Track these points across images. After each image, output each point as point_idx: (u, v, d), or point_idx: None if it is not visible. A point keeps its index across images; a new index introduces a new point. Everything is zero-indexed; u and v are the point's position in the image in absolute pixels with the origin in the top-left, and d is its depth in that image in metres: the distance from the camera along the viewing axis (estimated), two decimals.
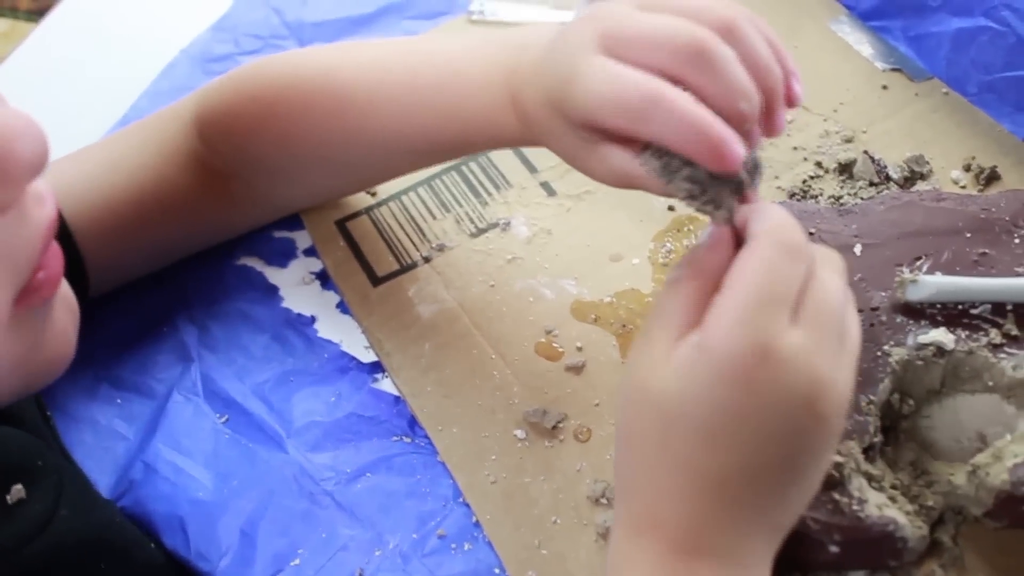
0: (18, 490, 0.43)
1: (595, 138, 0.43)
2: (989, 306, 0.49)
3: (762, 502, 0.38)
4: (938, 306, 0.49)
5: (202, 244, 0.62)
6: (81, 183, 0.56)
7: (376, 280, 0.60)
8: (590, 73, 0.41)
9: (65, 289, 0.39)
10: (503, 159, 0.65)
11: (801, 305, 0.37)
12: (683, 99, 0.38)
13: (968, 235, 0.52)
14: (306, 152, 0.56)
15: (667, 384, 0.37)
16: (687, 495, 0.38)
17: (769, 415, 0.36)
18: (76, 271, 0.55)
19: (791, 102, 0.42)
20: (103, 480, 0.54)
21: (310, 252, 0.62)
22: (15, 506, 0.43)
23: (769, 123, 0.42)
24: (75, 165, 0.57)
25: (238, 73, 0.57)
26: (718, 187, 0.40)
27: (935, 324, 0.48)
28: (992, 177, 0.60)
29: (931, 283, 0.49)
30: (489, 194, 0.63)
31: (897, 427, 0.48)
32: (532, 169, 0.64)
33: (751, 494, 0.38)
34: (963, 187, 0.60)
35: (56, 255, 0.37)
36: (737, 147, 0.38)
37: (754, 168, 0.41)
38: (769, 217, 0.38)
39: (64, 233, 0.53)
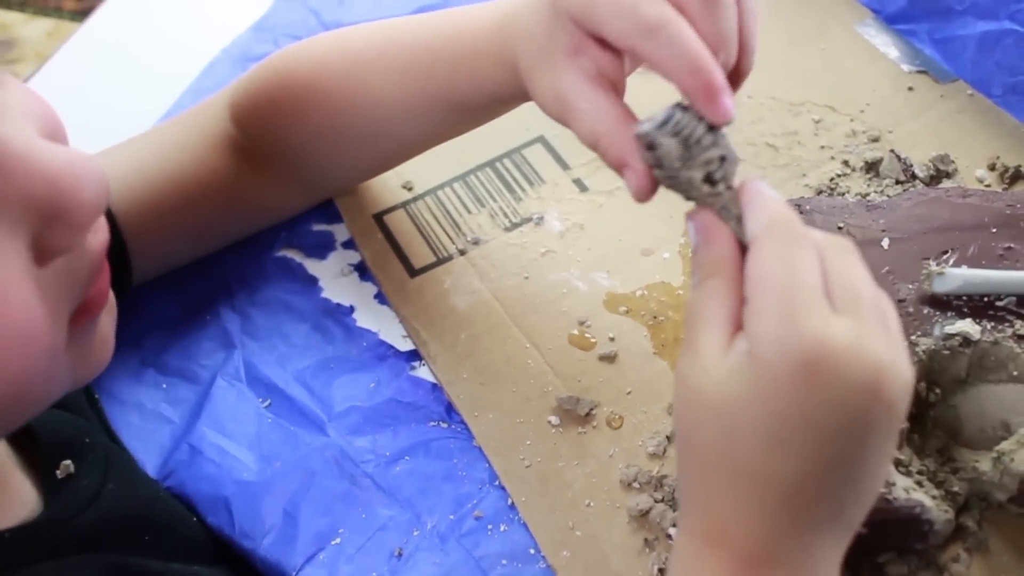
0: (67, 465, 0.45)
1: (569, 45, 0.43)
2: (1014, 298, 0.50)
3: (833, 503, 0.36)
4: (964, 298, 0.50)
5: (241, 230, 0.64)
6: (123, 171, 0.58)
7: (413, 272, 0.62)
8: None
9: (109, 293, 0.41)
10: (536, 157, 0.67)
11: (832, 293, 0.36)
12: (693, 34, 0.39)
13: (994, 230, 0.53)
14: (321, 124, 0.57)
15: (725, 394, 0.36)
16: (755, 506, 0.36)
17: (835, 411, 0.34)
18: (119, 257, 0.57)
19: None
20: (149, 461, 0.56)
21: (348, 245, 0.64)
22: (64, 481, 0.45)
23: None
24: (118, 154, 0.59)
25: (263, 61, 0.60)
26: (694, 168, 0.39)
27: (961, 315, 0.50)
28: (1017, 176, 0.61)
29: (957, 276, 0.50)
30: (523, 190, 0.65)
31: (924, 415, 0.50)
32: (565, 166, 0.66)
33: (821, 497, 0.36)
34: (988, 185, 0.61)
35: (105, 272, 0.38)
36: (730, 100, 0.38)
37: (723, 160, 0.40)
38: (766, 209, 0.38)
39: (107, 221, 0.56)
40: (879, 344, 0.35)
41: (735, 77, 0.42)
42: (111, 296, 0.41)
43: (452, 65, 0.52)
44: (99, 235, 0.37)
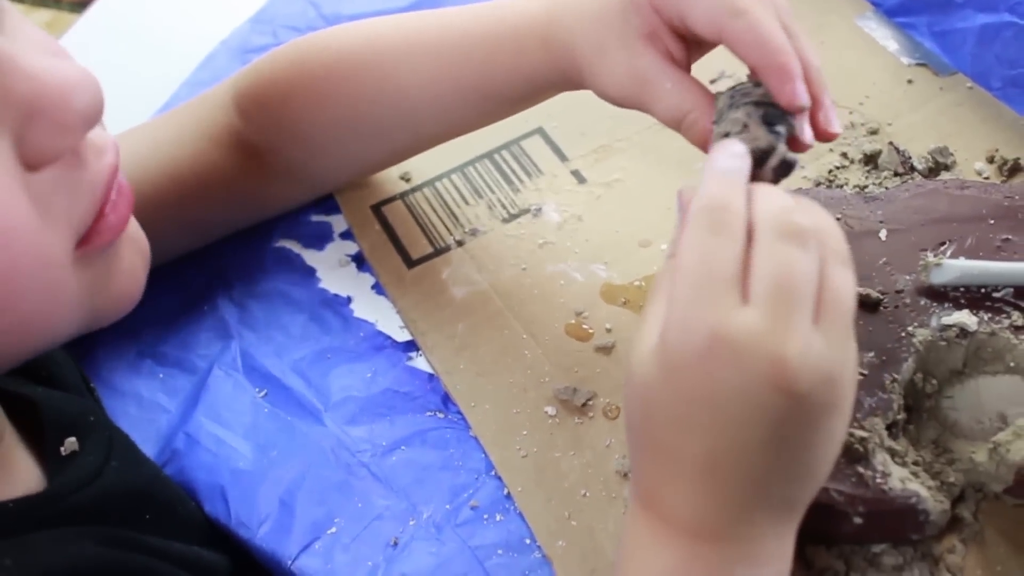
0: (71, 443, 0.45)
1: (644, 28, 0.46)
2: (1011, 290, 0.50)
3: (757, 481, 0.37)
4: (961, 289, 0.50)
5: (240, 222, 0.64)
6: (121, 160, 0.58)
7: (410, 263, 0.62)
8: None
9: (135, 231, 0.41)
10: (535, 148, 0.67)
11: (749, 281, 0.35)
12: (776, 22, 0.42)
13: (991, 221, 0.53)
14: (338, 114, 0.57)
15: (643, 374, 0.37)
16: (678, 478, 0.38)
17: (732, 399, 0.35)
18: None
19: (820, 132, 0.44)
20: (146, 449, 0.55)
21: (346, 235, 0.64)
22: (68, 457, 0.45)
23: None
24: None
25: (273, 51, 0.60)
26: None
27: (958, 306, 0.50)
28: (1015, 169, 0.61)
29: (955, 267, 0.50)
30: (521, 181, 0.65)
31: (920, 406, 0.49)
32: (563, 158, 0.66)
33: (741, 475, 0.37)
34: (986, 178, 0.61)
35: (125, 199, 0.39)
36: (802, 84, 0.41)
37: (781, 165, 0.41)
38: (701, 193, 0.37)
39: None
40: (787, 338, 0.34)
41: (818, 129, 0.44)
42: (142, 237, 0.42)
43: (490, 52, 0.52)
44: (104, 157, 0.38)
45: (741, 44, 0.43)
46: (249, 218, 0.64)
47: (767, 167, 0.40)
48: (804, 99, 0.41)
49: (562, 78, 0.51)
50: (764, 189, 0.38)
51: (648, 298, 0.40)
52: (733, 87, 0.45)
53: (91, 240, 0.37)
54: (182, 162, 0.59)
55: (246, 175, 0.60)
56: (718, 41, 0.44)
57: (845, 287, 0.37)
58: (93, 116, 0.35)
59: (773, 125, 0.41)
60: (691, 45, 0.47)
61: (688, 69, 0.47)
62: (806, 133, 0.42)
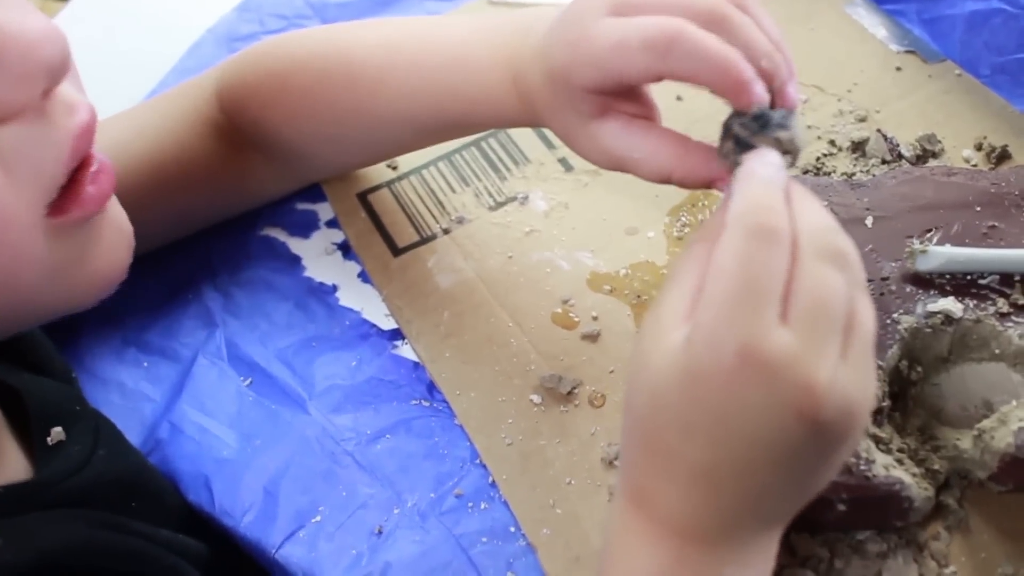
0: (58, 432, 0.45)
1: (594, 110, 0.44)
2: (997, 277, 0.50)
3: (754, 495, 0.36)
4: (947, 276, 0.50)
5: (222, 213, 0.63)
6: (104, 147, 0.57)
7: (396, 251, 0.62)
8: (603, 29, 0.42)
9: (118, 214, 0.41)
10: (522, 136, 0.66)
11: (790, 300, 0.34)
12: (706, 34, 0.39)
13: (978, 208, 0.53)
14: (316, 127, 0.57)
15: (658, 370, 0.36)
16: (673, 480, 0.37)
17: (753, 419, 0.34)
18: None
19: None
20: (131, 438, 0.55)
21: (332, 224, 0.64)
22: (55, 447, 0.45)
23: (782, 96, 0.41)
24: (99, 131, 0.59)
25: (258, 47, 0.59)
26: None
27: (944, 293, 0.50)
28: (1003, 156, 0.61)
29: (941, 254, 0.50)
30: (508, 169, 0.65)
31: (906, 393, 0.49)
32: (550, 145, 0.66)
33: (740, 488, 0.36)
34: (974, 165, 0.61)
35: (107, 176, 0.38)
36: (760, 86, 0.39)
37: (791, 143, 0.39)
38: (744, 195, 0.36)
39: None
40: (818, 363, 0.34)
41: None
42: (125, 221, 0.41)
43: (466, 101, 0.52)
44: (75, 116, 0.37)
45: (688, 79, 0.40)
46: (233, 208, 0.63)
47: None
48: (763, 97, 0.39)
49: (530, 118, 0.50)
50: (808, 202, 0.37)
51: (666, 283, 0.38)
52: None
53: (67, 210, 0.37)
54: (166, 150, 0.59)
55: (228, 168, 0.60)
56: (663, 80, 0.42)
57: (870, 317, 0.36)
58: (57, 68, 0.35)
59: (765, 129, 0.39)
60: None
61: (653, 108, 0.46)
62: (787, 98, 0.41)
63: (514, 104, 0.50)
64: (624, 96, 0.45)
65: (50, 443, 0.45)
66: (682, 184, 0.44)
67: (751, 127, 0.39)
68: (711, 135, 0.42)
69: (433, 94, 0.53)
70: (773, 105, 0.40)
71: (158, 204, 0.59)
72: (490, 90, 0.50)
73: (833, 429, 0.35)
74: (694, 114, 0.59)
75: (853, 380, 0.35)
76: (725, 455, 0.35)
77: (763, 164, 0.38)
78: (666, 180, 0.44)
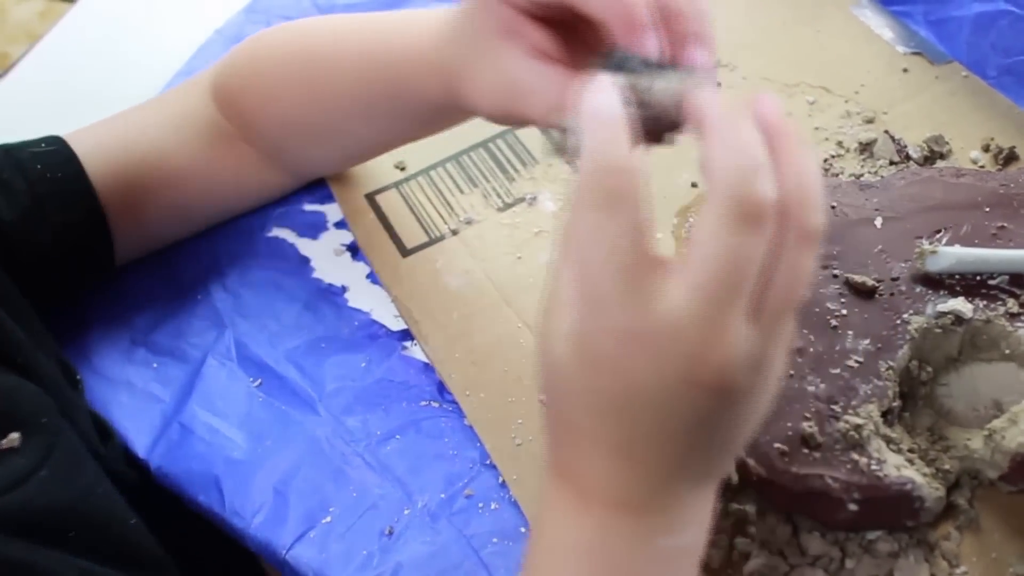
0: (13, 439, 0.43)
1: (501, 27, 0.43)
2: (1007, 277, 0.50)
3: (675, 459, 0.36)
4: (957, 277, 0.50)
5: (225, 212, 0.64)
6: (107, 145, 0.58)
7: (405, 252, 0.62)
8: None
9: None
10: (530, 137, 0.66)
11: (688, 267, 0.33)
12: None
13: (987, 209, 0.53)
14: (287, 115, 0.58)
15: (557, 358, 0.35)
16: (595, 455, 0.36)
17: (651, 393, 0.34)
18: (101, 232, 0.57)
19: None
20: (140, 440, 0.56)
21: (340, 225, 0.64)
22: (6, 452, 0.43)
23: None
24: (103, 129, 0.60)
25: (244, 44, 0.61)
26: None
27: (954, 294, 0.50)
28: (1011, 157, 0.61)
29: (950, 254, 0.50)
30: (516, 170, 0.65)
31: (915, 394, 0.49)
32: None
33: (660, 455, 0.36)
34: (982, 167, 0.61)
35: None
36: (652, 38, 0.37)
37: (647, 94, 0.37)
38: (587, 152, 0.33)
39: (88, 194, 0.56)
40: (710, 335, 0.32)
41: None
42: None
43: (395, 75, 0.52)
44: None
45: (585, 9, 0.39)
46: (236, 206, 0.64)
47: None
48: (651, 47, 0.38)
49: (457, 104, 0.48)
50: (731, 125, 0.33)
51: (557, 256, 0.35)
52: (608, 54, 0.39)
53: None
54: (167, 149, 0.59)
55: (226, 163, 0.61)
56: (570, 8, 0.41)
57: (798, 274, 0.33)
58: None
59: (620, 71, 0.37)
60: (566, 31, 0.43)
61: (573, 65, 0.43)
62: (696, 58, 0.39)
63: (436, 85, 0.49)
64: (535, 24, 0.43)
65: (2, 447, 0.43)
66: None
67: (608, 65, 0.37)
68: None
69: (370, 76, 0.54)
70: (671, 67, 0.38)
71: (160, 202, 0.60)
72: (416, 70, 0.50)
73: (739, 388, 0.33)
74: None
75: (760, 338, 0.33)
76: (637, 429, 0.35)
77: (601, 95, 0.34)
78: (553, 121, 0.41)
